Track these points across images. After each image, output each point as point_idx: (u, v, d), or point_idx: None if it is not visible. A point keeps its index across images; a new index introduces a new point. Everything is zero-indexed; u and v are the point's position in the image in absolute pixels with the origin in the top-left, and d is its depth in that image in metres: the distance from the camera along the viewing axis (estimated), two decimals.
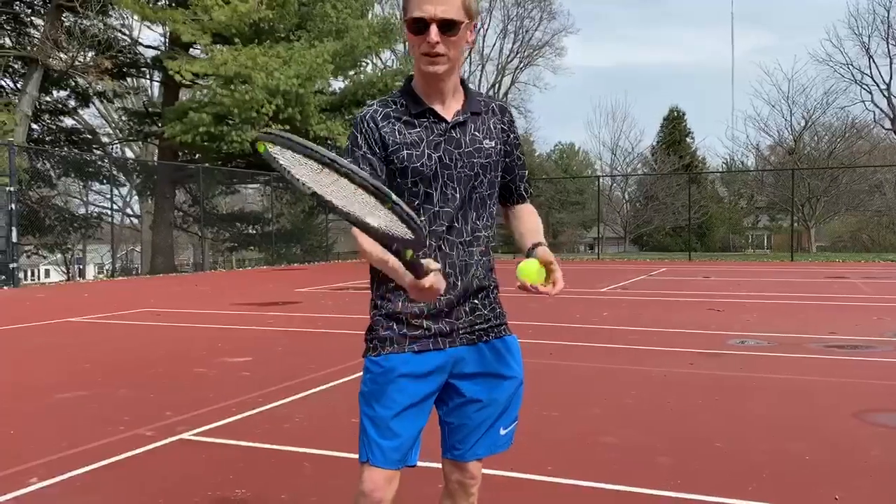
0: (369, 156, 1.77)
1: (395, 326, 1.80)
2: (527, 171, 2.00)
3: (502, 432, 1.90)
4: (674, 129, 41.76)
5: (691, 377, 5.36)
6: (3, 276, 15.14)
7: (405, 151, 1.77)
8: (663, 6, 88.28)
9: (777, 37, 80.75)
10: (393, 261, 1.54)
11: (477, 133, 1.83)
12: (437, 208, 1.79)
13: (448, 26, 1.71)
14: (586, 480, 3.16)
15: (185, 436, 3.90)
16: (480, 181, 1.83)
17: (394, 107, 1.81)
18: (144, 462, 3.49)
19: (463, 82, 1.85)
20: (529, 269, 1.73)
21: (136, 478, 3.29)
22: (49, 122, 25.78)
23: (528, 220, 1.96)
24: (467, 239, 1.82)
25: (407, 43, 1.84)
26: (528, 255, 1.87)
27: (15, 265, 15.39)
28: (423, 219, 1.76)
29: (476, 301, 1.86)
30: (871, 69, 39.89)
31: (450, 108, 1.82)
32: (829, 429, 3.98)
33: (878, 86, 39.87)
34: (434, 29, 1.70)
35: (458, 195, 1.80)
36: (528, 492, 3.07)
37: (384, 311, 1.82)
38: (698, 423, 4.10)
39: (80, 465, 3.38)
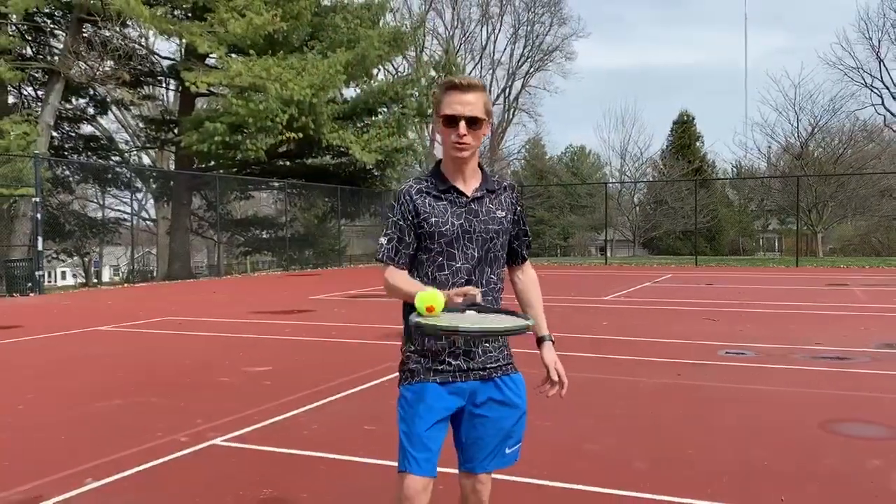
0: (401, 223, 2.25)
1: (422, 361, 2.25)
2: (529, 238, 2.45)
3: (507, 451, 2.33)
4: (683, 133, 42.04)
5: (677, 388, 5.81)
6: (30, 284, 15.77)
7: (433, 219, 2.23)
8: (675, 8, 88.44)
9: (794, 38, 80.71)
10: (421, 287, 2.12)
11: (492, 206, 2.29)
12: (459, 264, 2.24)
13: (473, 122, 2.19)
14: (568, 483, 3.62)
15: (216, 441, 4.39)
16: (494, 243, 2.28)
17: (425, 184, 2.28)
18: (182, 465, 3.99)
19: (481, 166, 2.32)
20: (430, 300, 2.04)
21: (176, 478, 3.78)
22: (68, 129, 26.47)
23: (533, 294, 2.45)
24: (483, 290, 2.24)
25: (436, 130, 2.38)
26: (538, 343, 2.39)
27: (41, 272, 16.00)
28: (447, 272, 2.24)
29: (488, 343, 2.27)
30: (881, 73, 40.08)
31: (470, 186, 2.28)
32: (793, 438, 4.41)
33: (888, 89, 40.08)
34: (463, 124, 2.18)
35: (475, 254, 2.25)
36: (514, 493, 3.52)
37: (413, 346, 2.27)
38: (675, 433, 4.55)
39: (129, 468, 3.88)
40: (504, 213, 2.30)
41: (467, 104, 2.18)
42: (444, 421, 2.23)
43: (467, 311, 2.08)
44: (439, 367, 2.22)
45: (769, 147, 41.07)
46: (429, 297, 2.03)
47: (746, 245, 41.84)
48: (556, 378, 2.34)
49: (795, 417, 4.87)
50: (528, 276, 2.46)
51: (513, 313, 2.16)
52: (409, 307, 2.22)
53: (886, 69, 39.64)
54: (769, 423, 4.73)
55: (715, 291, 14.63)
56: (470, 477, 2.35)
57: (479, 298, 2.11)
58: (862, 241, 37.44)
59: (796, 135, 39.36)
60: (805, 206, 32.73)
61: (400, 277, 2.23)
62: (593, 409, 5.13)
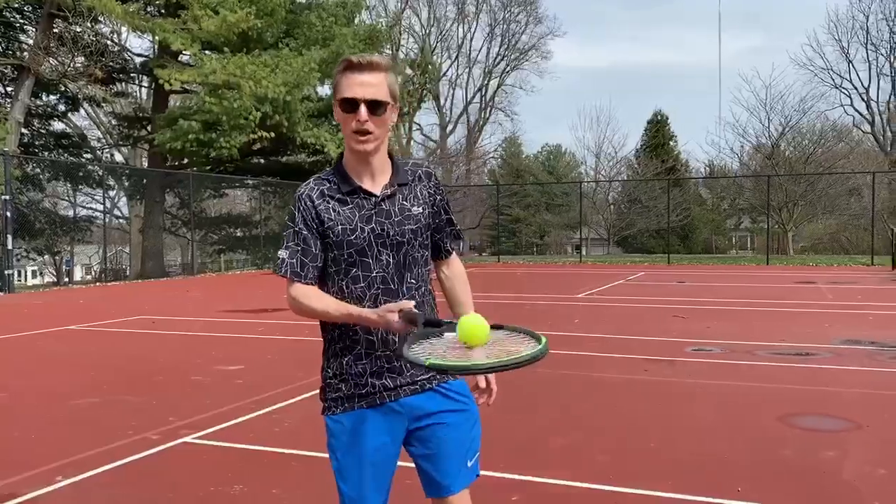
0: (304, 231, 1.97)
1: (343, 387, 2.01)
2: (455, 227, 2.17)
3: (469, 464, 2.09)
4: (657, 132, 42.47)
5: (643, 383, 5.93)
6: None
7: (339, 227, 1.96)
8: (652, 8, 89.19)
9: (766, 38, 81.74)
10: (356, 309, 1.87)
11: (405, 202, 2.01)
12: (374, 273, 1.97)
13: (376, 106, 1.91)
14: (533, 476, 3.72)
15: (188, 439, 4.42)
16: (412, 244, 2.02)
17: (328, 185, 1.99)
18: (154, 462, 4.02)
19: (391, 156, 2.04)
20: (475, 332, 1.73)
21: (147, 476, 3.82)
22: (39, 126, 26.12)
23: (462, 291, 2.18)
24: (404, 298, 1.98)
25: (336, 119, 1.99)
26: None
27: (10, 272, 15.81)
28: (362, 284, 1.98)
29: None
30: (850, 74, 40.89)
31: (378, 183, 2.00)
32: (752, 430, 4.55)
33: (857, 90, 40.92)
34: (363, 108, 1.89)
35: (391, 260, 1.98)
36: (479, 487, 3.61)
37: (332, 371, 2.04)
38: (640, 426, 4.67)
39: (99, 465, 3.91)
40: (421, 209, 2.03)
41: (368, 86, 1.90)
42: (383, 454, 2.00)
43: (446, 335, 1.78)
44: (363, 391, 1.99)
45: (742, 147, 41.67)
46: (481, 330, 1.72)
47: (719, 243, 42.33)
48: (483, 385, 1.99)
49: (757, 411, 5.01)
50: (454, 271, 2.19)
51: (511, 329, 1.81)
52: (326, 325, 2.04)
53: (855, 70, 40.64)
54: (731, 417, 4.87)
55: (685, 289, 14.85)
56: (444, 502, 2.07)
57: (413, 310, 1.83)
58: (831, 239, 38.04)
59: (767, 134, 39.99)
60: (776, 204, 33.19)
61: (311, 294, 1.97)
62: (561, 404, 5.23)
